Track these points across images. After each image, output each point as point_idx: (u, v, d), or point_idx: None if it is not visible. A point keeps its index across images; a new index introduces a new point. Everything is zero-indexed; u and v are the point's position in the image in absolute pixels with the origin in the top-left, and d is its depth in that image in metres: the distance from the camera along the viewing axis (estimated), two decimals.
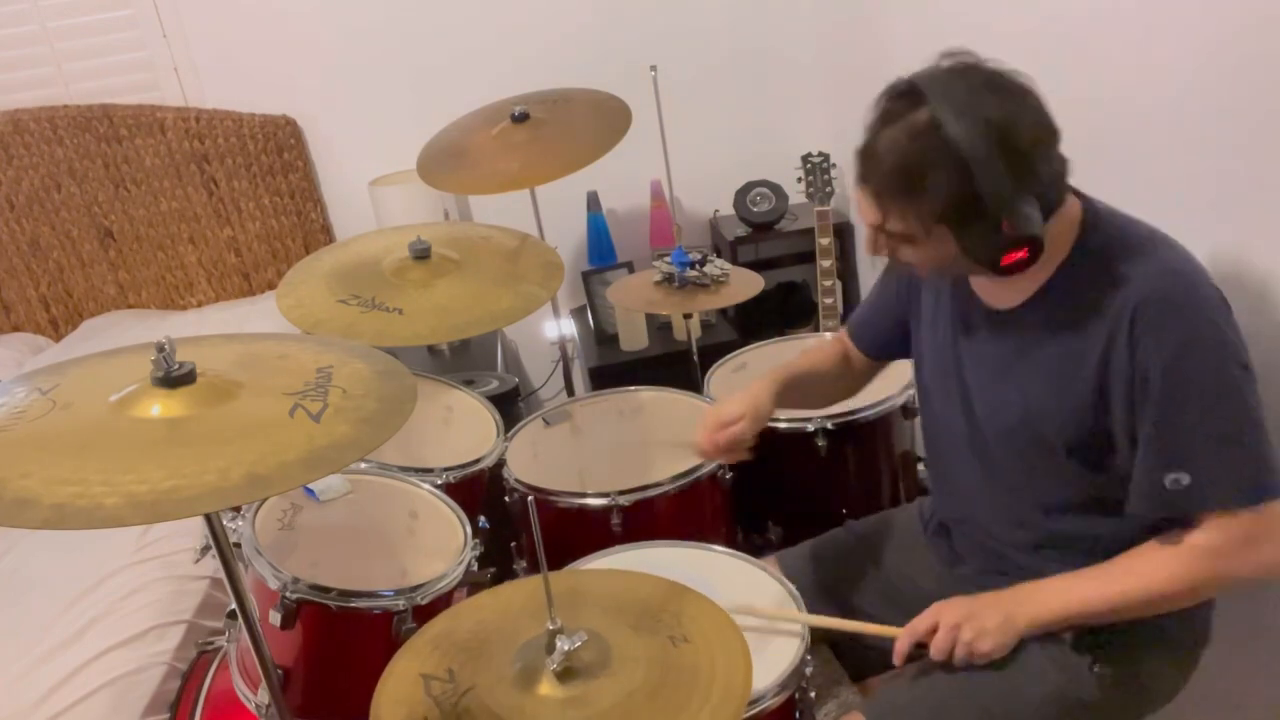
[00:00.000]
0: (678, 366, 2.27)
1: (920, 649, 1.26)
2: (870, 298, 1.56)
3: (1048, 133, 1.12)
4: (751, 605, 1.33)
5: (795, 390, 1.52)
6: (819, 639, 1.46)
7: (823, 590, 1.52)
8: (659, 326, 2.89)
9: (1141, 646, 1.25)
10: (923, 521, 1.52)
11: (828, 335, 2.15)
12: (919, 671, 1.31)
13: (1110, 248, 1.16)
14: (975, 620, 1.22)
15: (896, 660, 1.27)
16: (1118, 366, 1.12)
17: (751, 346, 2.12)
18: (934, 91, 1.10)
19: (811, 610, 1.35)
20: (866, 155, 1.15)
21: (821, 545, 1.60)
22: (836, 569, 1.55)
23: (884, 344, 1.53)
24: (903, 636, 1.26)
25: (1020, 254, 1.11)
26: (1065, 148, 1.15)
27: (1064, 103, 1.16)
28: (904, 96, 1.12)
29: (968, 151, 1.07)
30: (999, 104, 1.08)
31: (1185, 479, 1.11)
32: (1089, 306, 1.15)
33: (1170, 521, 1.16)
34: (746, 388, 1.49)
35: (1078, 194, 1.21)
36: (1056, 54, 1.68)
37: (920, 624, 1.25)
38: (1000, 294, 1.26)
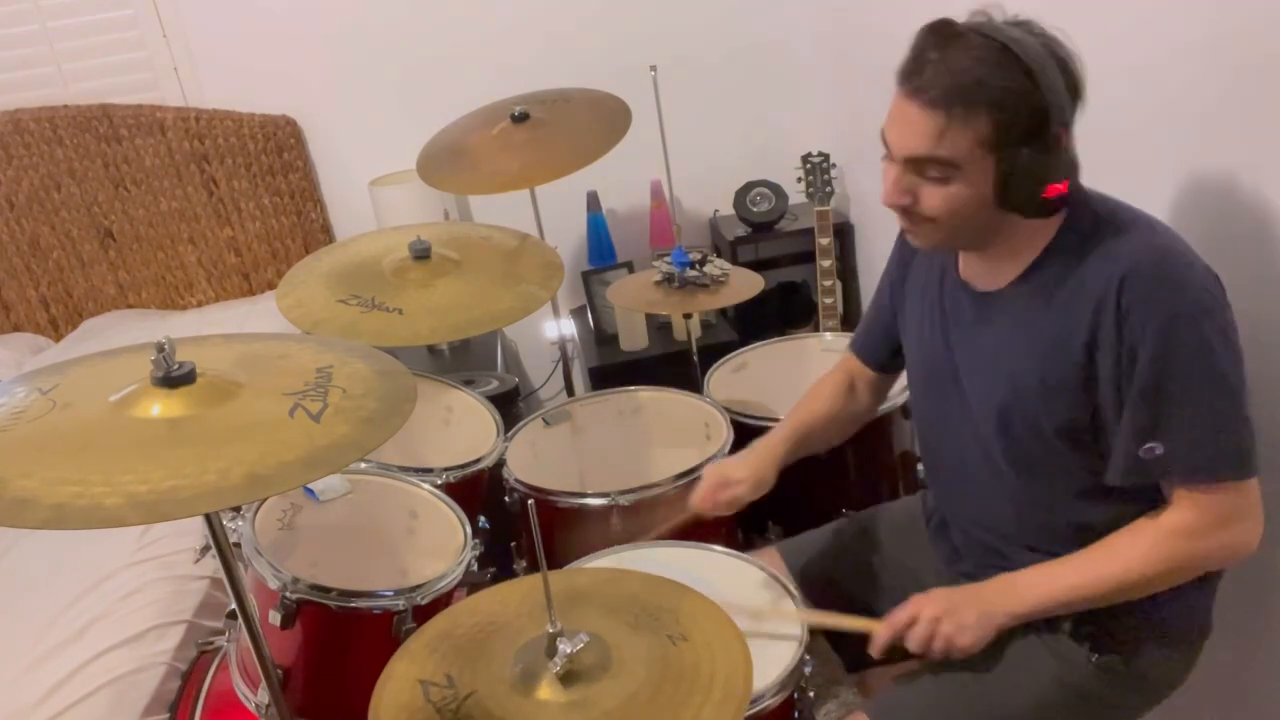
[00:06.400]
0: (678, 366, 2.27)
1: (900, 647, 1.25)
2: (867, 312, 1.57)
3: (1080, 81, 1.13)
4: (741, 606, 1.31)
5: (804, 443, 1.54)
6: (818, 634, 1.46)
7: (823, 582, 1.52)
8: (659, 326, 2.89)
9: (1141, 636, 1.25)
10: (925, 515, 1.52)
11: (826, 336, 2.15)
12: (919, 669, 1.31)
13: (1096, 227, 1.16)
14: (954, 615, 1.21)
15: (875, 653, 1.26)
16: (1105, 342, 1.12)
17: (751, 346, 2.12)
18: (987, 24, 1.11)
19: (809, 602, 1.34)
20: (928, 67, 1.10)
21: (823, 536, 1.60)
22: (838, 560, 1.55)
23: (887, 353, 1.53)
24: (882, 630, 1.25)
25: (1062, 187, 1.10)
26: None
27: None
28: (953, 25, 1.12)
29: (1035, 62, 1.07)
30: (1048, 40, 1.11)
31: (1159, 449, 1.11)
32: (1075, 284, 1.15)
33: (1154, 507, 1.16)
34: (753, 448, 1.51)
35: None
36: None
37: (899, 617, 1.24)
38: (989, 275, 1.25)
